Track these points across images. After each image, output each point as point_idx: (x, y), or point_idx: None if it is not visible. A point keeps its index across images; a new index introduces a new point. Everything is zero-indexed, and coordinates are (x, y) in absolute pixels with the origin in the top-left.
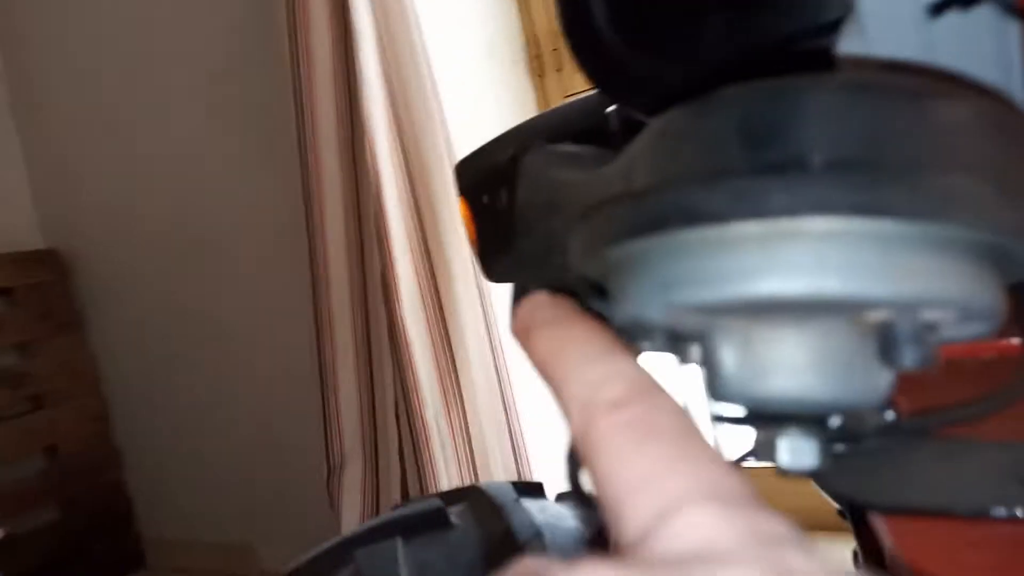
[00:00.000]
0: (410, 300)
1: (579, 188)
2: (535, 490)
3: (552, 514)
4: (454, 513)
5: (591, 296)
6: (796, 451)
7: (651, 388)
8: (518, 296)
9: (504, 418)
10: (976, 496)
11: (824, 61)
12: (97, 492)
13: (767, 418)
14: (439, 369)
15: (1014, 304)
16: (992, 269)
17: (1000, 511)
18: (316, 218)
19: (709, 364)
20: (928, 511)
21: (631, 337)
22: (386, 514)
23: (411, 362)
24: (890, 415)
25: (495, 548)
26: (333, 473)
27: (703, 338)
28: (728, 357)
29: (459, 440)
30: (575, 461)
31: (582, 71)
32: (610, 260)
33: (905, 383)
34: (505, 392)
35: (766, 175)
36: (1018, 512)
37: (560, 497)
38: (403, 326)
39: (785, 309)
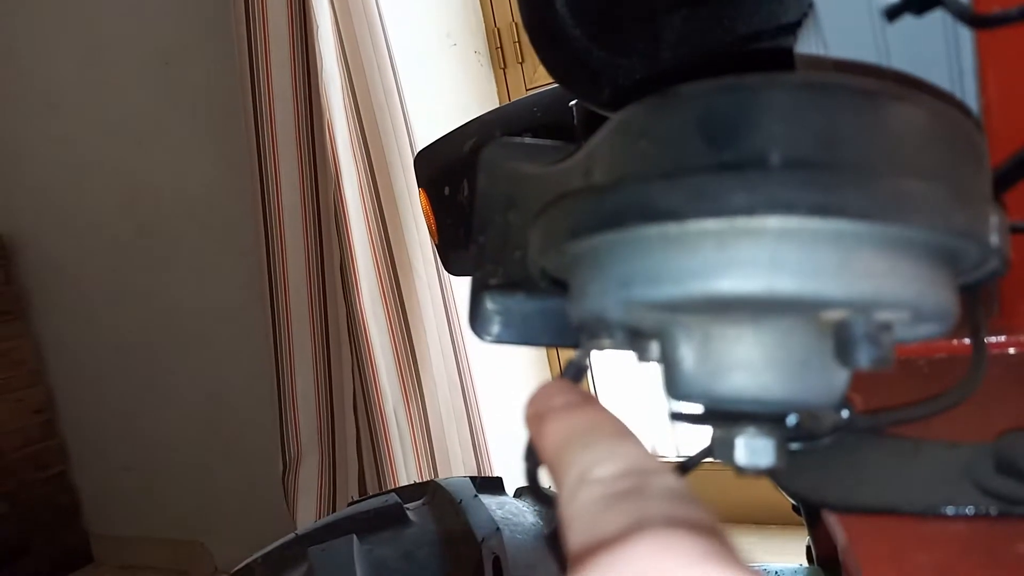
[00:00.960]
0: (370, 292)
1: (538, 182)
2: (494, 486)
3: (511, 510)
4: (411, 510)
5: (552, 292)
6: (753, 450)
7: (649, 472)
8: (477, 291)
9: (465, 412)
10: (926, 495)
11: (784, 60)
12: (42, 486)
13: (725, 416)
14: (399, 363)
15: (965, 304)
16: (945, 270)
17: (949, 510)
18: (272, 208)
19: (668, 362)
20: (879, 509)
21: (591, 334)
22: (342, 511)
23: (370, 355)
24: (846, 414)
25: (453, 545)
26: (289, 468)
27: (662, 335)
28: (687, 355)
29: (418, 435)
30: (533, 458)
31: (544, 64)
32: (568, 255)
33: (859, 381)
34: (466, 386)
35: (725, 173)
36: (967, 511)
37: (519, 493)
38: (363, 319)
39: (743, 307)
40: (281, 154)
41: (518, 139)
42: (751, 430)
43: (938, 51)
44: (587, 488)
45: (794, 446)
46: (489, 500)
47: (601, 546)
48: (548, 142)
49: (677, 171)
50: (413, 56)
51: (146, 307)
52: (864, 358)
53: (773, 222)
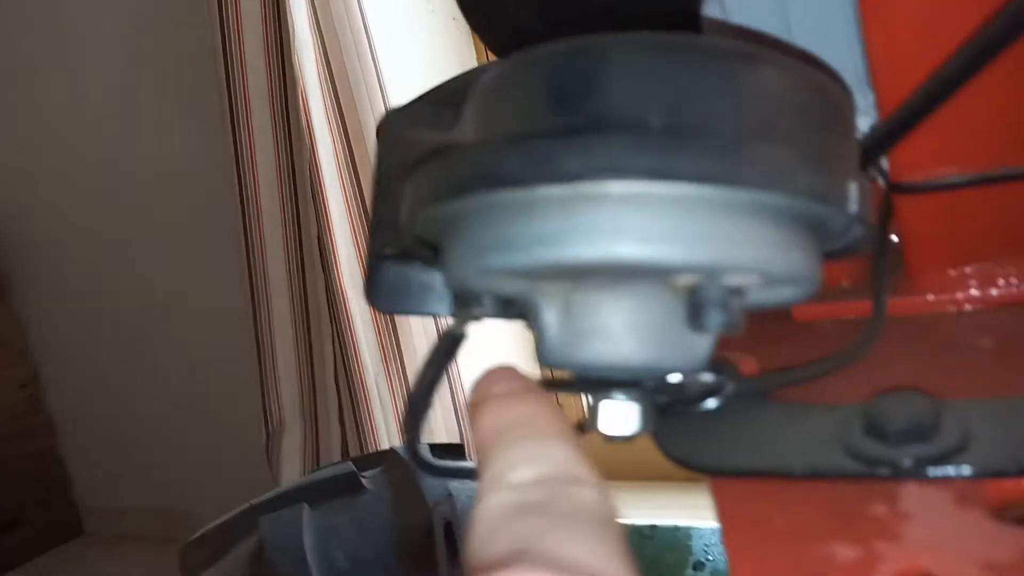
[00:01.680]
0: (348, 262)
1: (427, 148)
2: (454, 451)
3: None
4: (368, 478)
5: (429, 260)
6: (616, 417)
7: (569, 482)
8: (372, 260)
9: (446, 380)
10: (797, 458)
11: (690, 21)
12: (30, 461)
13: (592, 384)
14: (378, 332)
15: (869, 267)
16: (803, 235)
17: (817, 473)
18: (248, 179)
19: (535, 329)
20: (750, 473)
21: (463, 303)
22: (296, 480)
23: (350, 325)
24: (716, 379)
25: (404, 512)
26: (272, 438)
27: (527, 303)
28: (550, 322)
29: (400, 403)
30: (414, 429)
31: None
32: (432, 221)
33: (760, 345)
34: None
35: (565, 138)
36: (832, 473)
37: None
38: (342, 289)
39: (594, 274)
40: (255, 125)
41: (418, 104)
42: (614, 398)
43: (836, 18)
44: (497, 493)
45: (675, 411)
46: (448, 466)
47: (478, 570)
48: (451, 108)
49: (523, 135)
50: (389, 23)
51: (126, 281)
52: (713, 323)
53: (615, 187)
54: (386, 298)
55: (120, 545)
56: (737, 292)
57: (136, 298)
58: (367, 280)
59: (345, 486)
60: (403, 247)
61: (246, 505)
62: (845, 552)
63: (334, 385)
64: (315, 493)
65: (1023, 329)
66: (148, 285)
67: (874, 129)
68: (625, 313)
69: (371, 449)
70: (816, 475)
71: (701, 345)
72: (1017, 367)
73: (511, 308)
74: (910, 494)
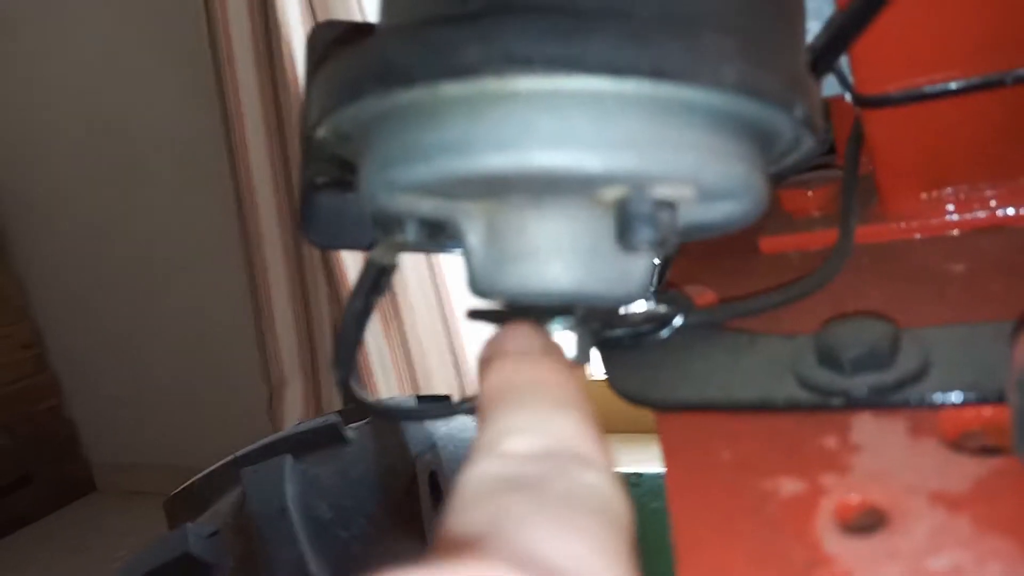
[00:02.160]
0: None
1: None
2: (441, 402)
3: (456, 426)
4: (352, 429)
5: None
6: None
7: (570, 459)
8: (305, 190)
9: (445, 332)
10: (748, 390)
11: None
12: (38, 420)
13: (524, 312)
14: None
15: (840, 195)
16: (742, 142)
17: (769, 403)
18: (236, 135)
19: (463, 254)
20: (699, 406)
21: (385, 229)
22: (280, 432)
23: (344, 279)
24: (664, 309)
25: (387, 462)
26: (274, 394)
27: (451, 226)
28: (475, 246)
29: (398, 356)
30: (344, 367)
31: None
32: (336, 136)
33: (724, 278)
34: (445, 306)
35: (459, 25)
36: (783, 404)
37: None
38: None
39: (512, 188)
40: (240, 80)
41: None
42: (549, 327)
43: None
44: (489, 460)
45: (625, 343)
46: (388, 406)
47: (445, 547)
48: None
49: (418, 25)
50: None
51: (124, 238)
52: (640, 239)
53: (523, 83)
54: (323, 232)
55: (131, 501)
56: (668, 205)
57: (135, 254)
58: (301, 212)
59: (329, 438)
60: (336, 173)
61: (230, 457)
62: (789, 485)
63: (332, 340)
64: (299, 445)
65: (999, 254)
66: (146, 241)
67: (829, 23)
68: (551, 233)
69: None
70: (767, 407)
71: (637, 268)
72: (985, 293)
73: (440, 234)
74: (864, 425)
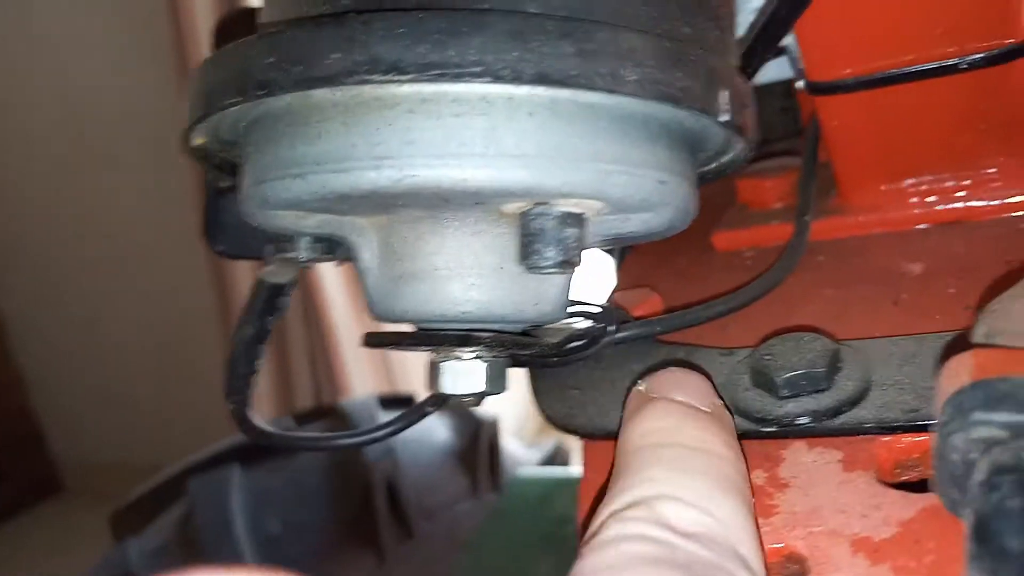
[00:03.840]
0: None
1: None
2: (403, 403)
3: (419, 428)
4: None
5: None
6: (459, 374)
7: (729, 554)
8: (209, 196)
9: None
10: None
11: None
12: (3, 417)
13: (427, 338)
14: (348, 277)
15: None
16: (658, 149)
17: None
18: None
19: (360, 274)
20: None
21: (278, 244)
22: (231, 438)
23: (315, 269)
24: (588, 328)
25: (343, 471)
26: None
27: (344, 243)
28: (369, 265)
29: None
30: (238, 377)
31: None
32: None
33: (673, 279)
34: None
35: (326, 27)
36: None
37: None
38: None
39: (401, 203)
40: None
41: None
42: (457, 356)
43: None
44: (646, 524)
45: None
46: (286, 435)
47: None
48: None
49: (287, 26)
50: None
51: (91, 228)
52: (543, 259)
53: (401, 90)
54: (229, 241)
55: (101, 502)
56: (576, 219)
57: (101, 245)
58: (204, 220)
59: (283, 448)
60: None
61: (179, 466)
62: None
63: (303, 328)
64: (249, 453)
65: (960, 251)
66: (113, 231)
67: (760, 15)
68: (450, 250)
69: (346, 392)
70: None
71: (551, 287)
72: (942, 297)
73: (337, 250)
74: (796, 456)
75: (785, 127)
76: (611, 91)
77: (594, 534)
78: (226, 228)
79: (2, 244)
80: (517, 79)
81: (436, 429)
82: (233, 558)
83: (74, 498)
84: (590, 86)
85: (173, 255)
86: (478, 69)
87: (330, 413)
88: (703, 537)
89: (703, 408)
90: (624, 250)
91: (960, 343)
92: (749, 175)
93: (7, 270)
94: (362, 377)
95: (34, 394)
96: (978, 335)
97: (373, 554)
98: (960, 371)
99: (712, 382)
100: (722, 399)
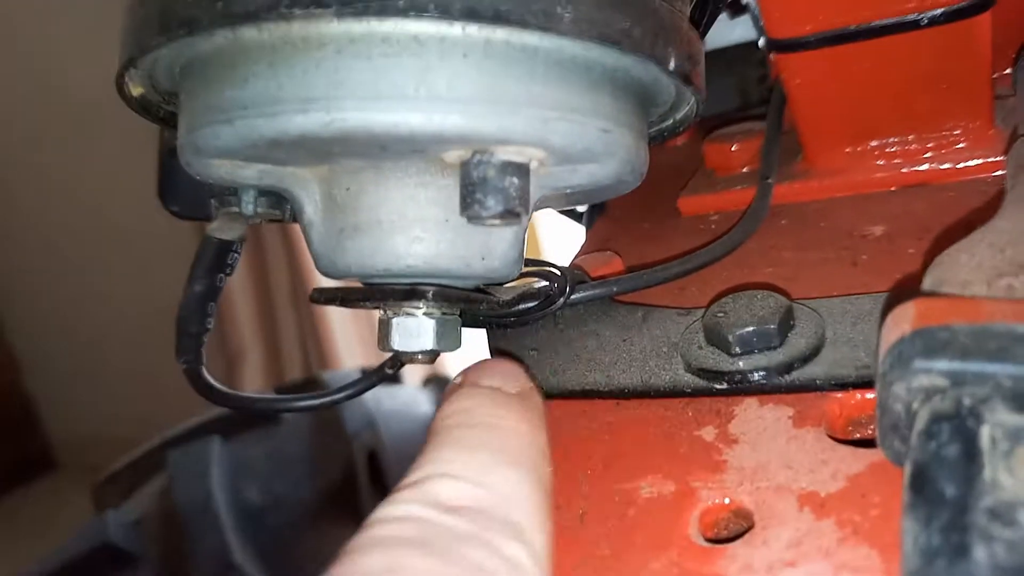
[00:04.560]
0: None
1: None
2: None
3: (404, 400)
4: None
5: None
6: (408, 332)
7: (495, 527)
8: (163, 155)
9: None
10: (632, 375)
11: None
12: None
13: (374, 293)
14: None
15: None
16: (604, 97)
17: (648, 391)
18: None
19: (303, 228)
20: (582, 395)
21: (220, 199)
22: (212, 411)
23: (302, 240)
24: (543, 287)
25: (323, 442)
26: (233, 363)
27: (286, 196)
28: (312, 218)
29: (363, 322)
30: (189, 335)
31: None
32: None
33: (638, 243)
34: None
35: None
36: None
37: (429, 381)
38: None
39: (336, 150)
40: None
41: None
42: (408, 311)
43: None
44: (409, 504)
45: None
46: (380, 391)
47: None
48: None
49: None
50: None
51: (73, 205)
52: (485, 208)
53: (329, 28)
54: (183, 201)
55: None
56: (518, 169)
57: (85, 221)
58: (159, 180)
59: (261, 417)
60: None
61: (158, 439)
62: (655, 488)
63: (291, 307)
64: (230, 425)
65: (922, 213)
66: (95, 207)
67: None
68: (394, 201)
69: (336, 366)
70: (650, 394)
71: (501, 241)
72: (901, 257)
73: (285, 207)
74: (747, 412)
75: (762, 95)
76: (544, 29)
77: None
78: (180, 188)
79: None
80: (444, 15)
81: (418, 401)
82: (211, 529)
83: (68, 475)
84: (522, 23)
85: (162, 229)
86: (402, 3)
87: (311, 384)
88: (469, 510)
89: (509, 391)
90: (592, 215)
91: (903, 295)
92: (715, 139)
93: None
94: (351, 352)
95: (26, 373)
96: (925, 285)
97: (354, 525)
98: (901, 320)
99: (527, 369)
100: (536, 384)
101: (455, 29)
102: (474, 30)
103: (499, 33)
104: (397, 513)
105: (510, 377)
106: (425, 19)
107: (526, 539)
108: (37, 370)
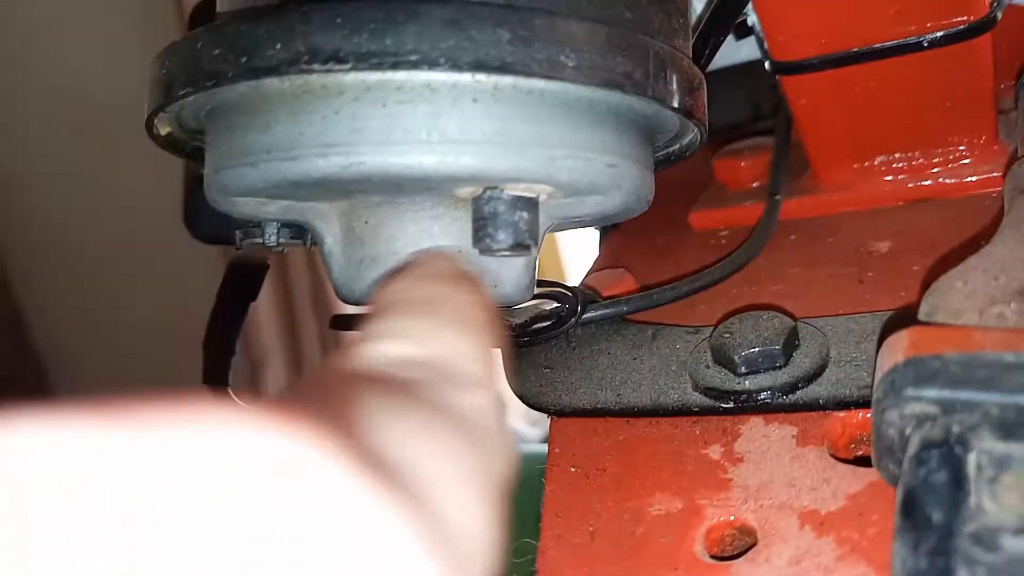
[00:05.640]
0: None
1: None
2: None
3: None
4: None
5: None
6: None
7: (445, 373)
8: (189, 183)
9: None
10: (642, 394)
11: None
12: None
13: None
14: None
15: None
16: (608, 134)
17: (657, 410)
18: None
19: (324, 258)
20: (592, 413)
21: (244, 230)
22: None
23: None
24: (554, 308)
25: None
26: (256, 370)
27: (307, 228)
28: (332, 250)
29: None
30: (218, 363)
31: None
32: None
33: (650, 259)
34: None
35: (266, 18)
36: (673, 411)
37: None
38: None
39: (356, 189)
40: None
41: None
42: None
43: None
44: (350, 358)
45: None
46: None
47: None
48: None
49: (235, 16)
50: None
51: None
52: (496, 242)
53: (345, 79)
54: (207, 225)
55: None
56: (528, 203)
57: (108, 225)
58: (184, 207)
59: None
60: None
61: None
62: (663, 505)
63: (312, 312)
64: None
65: (928, 229)
66: (118, 213)
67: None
68: (410, 233)
69: None
70: (659, 413)
71: (511, 270)
72: (906, 274)
73: (306, 235)
74: (752, 431)
75: (774, 104)
76: (549, 77)
77: None
78: (205, 215)
79: (12, 227)
80: (454, 66)
81: None
82: None
83: None
84: (527, 72)
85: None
86: (415, 57)
87: None
88: (415, 361)
89: (442, 272)
90: (605, 229)
91: (901, 320)
92: (725, 155)
93: (21, 253)
94: None
95: (51, 376)
96: (922, 313)
97: None
98: (895, 348)
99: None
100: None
101: (465, 77)
102: (483, 77)
103: (507, 79)
104: (333, 365)
105: (444, 260)
106: (435, 71)
107: (481, 391)
108: (59, 376)
